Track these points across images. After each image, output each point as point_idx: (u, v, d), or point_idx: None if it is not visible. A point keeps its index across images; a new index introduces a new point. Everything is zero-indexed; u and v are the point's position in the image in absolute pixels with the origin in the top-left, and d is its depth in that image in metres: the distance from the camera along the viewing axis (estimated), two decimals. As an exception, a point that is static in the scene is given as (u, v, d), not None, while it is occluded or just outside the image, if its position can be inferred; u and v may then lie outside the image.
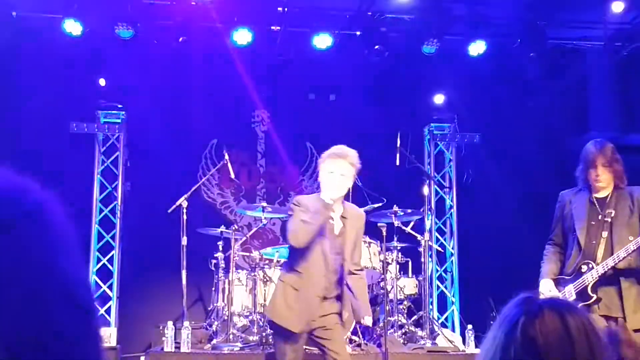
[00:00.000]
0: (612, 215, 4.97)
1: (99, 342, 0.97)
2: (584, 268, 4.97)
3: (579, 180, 5.20)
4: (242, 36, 8.53)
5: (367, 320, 5.34)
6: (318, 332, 5.07)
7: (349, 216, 5.24)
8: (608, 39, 9.42)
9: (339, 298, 5.13)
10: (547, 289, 5.06)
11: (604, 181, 5.03)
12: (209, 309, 7.71)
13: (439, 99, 9.52)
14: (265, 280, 6.98)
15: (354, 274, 5.24)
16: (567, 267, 5.10)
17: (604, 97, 9.83)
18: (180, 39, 8.51)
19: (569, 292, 4.96)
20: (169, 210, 7.19)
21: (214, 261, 7.48)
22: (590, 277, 4.91)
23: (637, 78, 9.39)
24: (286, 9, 8.44)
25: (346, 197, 7.84)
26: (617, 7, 8.32)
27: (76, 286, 0.94)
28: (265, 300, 6.87)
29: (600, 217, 5.01)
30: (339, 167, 5.06)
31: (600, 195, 5.07)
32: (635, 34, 9.08)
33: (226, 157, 7.67)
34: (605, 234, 4.97)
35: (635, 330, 4.79)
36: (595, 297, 4.91)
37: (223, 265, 7.40)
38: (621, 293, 4.88)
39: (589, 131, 9.64)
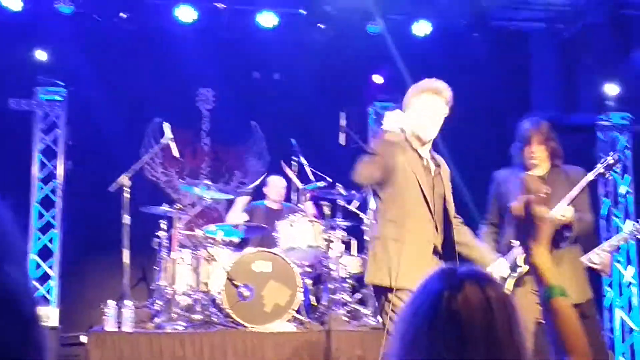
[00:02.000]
0: (549, 192, 4.97)
1: (41, 352, 0.94)
2: (516, 242, 5.02)
3: (515, 159, 5.25)
4: (186, 13, 8.44)
5: (492, 269, 4.63)
6: None
7: (441, 162, 4.63)
8: (550, 21, 9.55)
9: (451, 256, 4.39)
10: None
11: (538, 158, 5.07)
12: (152, 288, 7.65)
13: (381, 78, 9.54)
14: (208, 259, 6.95)
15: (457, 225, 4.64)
16: (503, 246, 5.14)
17: (547, 77, 9.97)
18: (122, 15, 8.38)
19: (502, 266, 4.94)
20: (111, 189, 7.10)
21: (157, 240, 7.41)
22: (521, 250, 4.95)
23: (579, 59, 9.54)
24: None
25: (289, 177, 7.87)
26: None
27: (18, 295, 0.92)
28: (208, 279, 6.85)
29: (536, 193, 5.02)
30: (440, 109, 4.50)
31: (536, 173, 5.11)
32: (576, 15, 9.21)
33: (170, 135, 7.58)
34: None
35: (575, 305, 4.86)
36: (527, 267, 4.96)
37: (166, 244, 7.34)
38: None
39: (532, 111, 9.78)
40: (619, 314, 9.80)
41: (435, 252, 4.35)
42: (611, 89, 9.55)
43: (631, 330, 9.74)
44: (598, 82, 9.51)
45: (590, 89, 9.50)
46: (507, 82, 9.59)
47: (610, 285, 9.82)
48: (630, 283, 9.84)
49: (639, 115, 9.87)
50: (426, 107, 4.45)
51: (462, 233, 4.56)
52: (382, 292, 4.24)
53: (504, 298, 1.67)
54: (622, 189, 10.01)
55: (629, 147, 10.05)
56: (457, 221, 4.58)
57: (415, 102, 4.50)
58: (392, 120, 4.32)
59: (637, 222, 5.25)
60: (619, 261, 9.77)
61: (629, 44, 9.06)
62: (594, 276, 6.35)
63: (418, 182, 4.32)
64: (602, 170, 5.16)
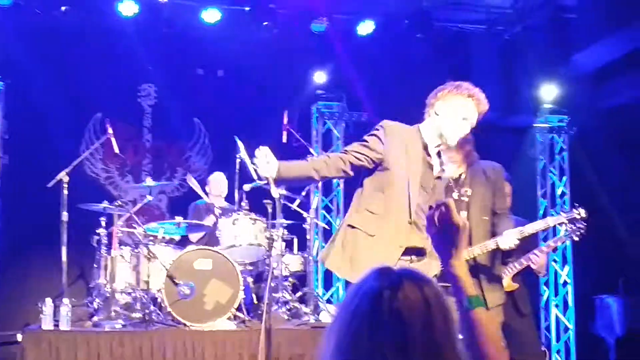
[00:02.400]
0: (469, 193, 4.92)
1: None
2: None
3: None
4: (128, 7, 8.34)
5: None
6: None
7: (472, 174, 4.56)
8: (491, 23, 9.69)
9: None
10: None
11: (456, 162, 5.00)
12: (91, 286, 7.54)
13: (324, 77, 9.56)
14: (149, 256, 6.88)
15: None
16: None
17: (487, 79, 10.10)
18: (63, 9, 8.24)
19: None
20: (49, 185, 6.97)
21: (96, 237, 7.30)
22: None
23: (518, 61, 9.70)
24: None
25: (231, 175, 7.83)
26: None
27: None
28: (148, 277, 6.78)
29: (457, 196, 4.90)
30: (473, 116, 4.23)
31: (455, 174, 5.06)
32: (516, 18, 9.37)
33: (110, 131, 7.49)
34: (464, 213, 4.87)
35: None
36: None
37: (105, 242, 7.24)
38: (479, 274, 4.81)
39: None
40: (554, 312, 10.00)
41: (410, 253, 4.11)
42: (548, 91, 9.74)
43: (566, 328, 9.96)
44: (536, 84, 9.69)
45: (529, 90, 9.67)
46: (446, 81, 9.68)
47: (546, 285, 10.02)
48: (565, 282, 10.05)
49: (575, 117, 10.09)
50: (465, 111, 4.18)
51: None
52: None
53: (441, 297, 1.69)
54: (559, 191, 10.22)
55: (565, 149, 10.26)
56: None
57: (457, 102, 4.19)
58: (264, 164, 4.01)
59: (562, 211, 5.27)
60: (555, 261, 9.98)
61: (567, 47, 9.25)
62: (531, 276, 6.49)
63: (408, 181, 4.09)
64: (565, 221, 5.12)
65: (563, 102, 9.91)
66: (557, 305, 10.03)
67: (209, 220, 7.89)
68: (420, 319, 1.62)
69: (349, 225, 4.17)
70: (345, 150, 4.18)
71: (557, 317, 10.00)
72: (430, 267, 4.07)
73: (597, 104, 9.64)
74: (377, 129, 4.14)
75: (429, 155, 4.20)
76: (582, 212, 4.98)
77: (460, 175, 5.01)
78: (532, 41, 9.25)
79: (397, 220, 4.07)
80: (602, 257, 9.51)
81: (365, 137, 4.17)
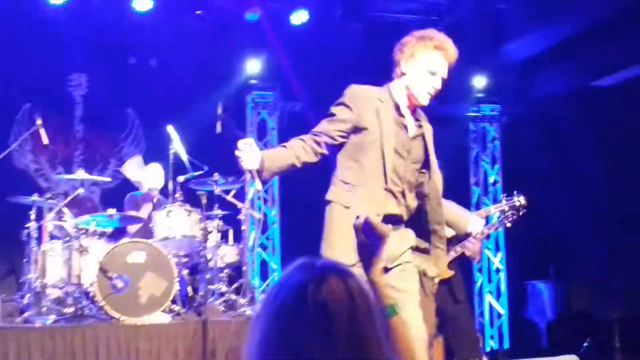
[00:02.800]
0: None
1: None
2: None
3: None
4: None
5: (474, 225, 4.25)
6: (390, 272, 3.75)
7: (423, 122, 3.99)
8: (425, 13, 9.76)
9: (426, 229, 3.88)
10: None
11: None
12: (21, 281, 7.37)
13: (258, 67, 9.51)
14: (81, 250, 6.74)
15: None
16: None
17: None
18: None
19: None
20: (-24, 178, 6.79)
21: (26, 231, 7.13)
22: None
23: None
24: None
25: (164, 166, 7.73)
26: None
27: None
28: (80, 271, 6.65)
29: None
30: (443, 68, 3.86)
31: None
32: (449, 9, 9.46)
33: (38, 122, 7.30)
34: None
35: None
36: None
37: (36, 236, 7.08)
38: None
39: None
40: (488, 299, 10.18)
41: (388, 221, 3.66)
42: (480, 81, 9.87)
43: (499, 314, 10.14)
44: (469, 74, 9.82)
45: (462, 80, 9.78)
46: (382, 71, 9.72)
47: (480, 271, 10.19)
48: (498, 269, 10.23)
49: (507, 107, 10.26)
50: (432, 65, 3.83)
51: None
52: None
53: (364, 289, 1.69)
54: (492, 179, 10.38)
55: (497, 138, 10.43)
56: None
57: (423, 57, 3.85)
58: (248, 156, 3.66)
59: (504, 199, 5.37)
60: (488, 248, 10.14)
61: (499, 37, 9.39)
62: (464, 263, 6.58)
63: (382, 146, 3.77)
64: (506, 208, 5.21)
65: (495, 91, 10.06)
66: (490, 292, 10.20)
67: (145, 210, 7.76)
68: (345, 312, 1.63)
69: (325, 201, 3.91)
70: (317, 132, 3.88)
71: (490, 304, 10.18)
72: (407, 235, 3.88)
73: (528, 94, 9.82)
74: (343, 95, 3.86)
75: (401, 115, 3.88)
76: (522, 200, 5.17)
77: None
78: (464, 31, 9.34)
79: (372, 188, 3.76)
80: (533, 244, 9.71)
81: (332, 109, 3.89)
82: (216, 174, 7.41)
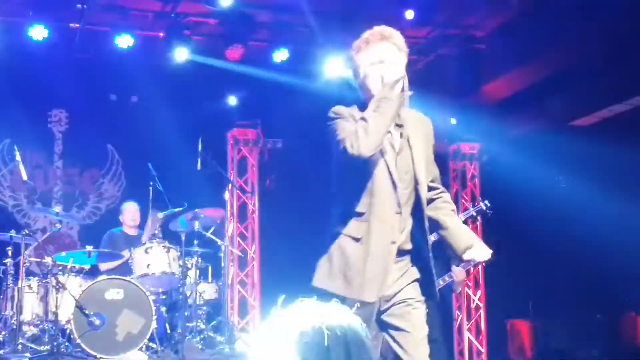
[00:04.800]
0: None
1: None
2: None
3: None
4: (38, 32, 8.16)
5: (471, 254, 3.62)
6: (391, 310, 3.38)
7: (408, 121, 3.49)
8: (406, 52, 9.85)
9: (421, 255, 3.47)
10: None
11: None
12: (-3, 318, 7.28)
13: (239, 104, 9.54)
14: (57, 287, 6.68)
15: (433, 199, 3.60)
16: None
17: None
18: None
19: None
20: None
21: (2, 267, 7.07)
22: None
23: (430, 90, 9.89)
24: (85, 6, 8.13)
25: (144, 202, 7.70)
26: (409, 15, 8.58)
27: None
28: (57, 309, 6.58)
29: None
30: (390, 54, 3.43)
31: None
32: (429, 48, 9.56)
33: (18, 157, 7.28)
34: None
35: None
36: None
37: (12, 272, 7.01)
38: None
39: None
40: (467, 336, 10.15)
41: (402, 252, 3.40)
42: (458, 120, 9.96)
43: (479, 352, 10.12)
44: (448, 113, 9.90)
45: (441, 119, 9.86)
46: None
47: (459, 309, 10.17)
48: (478, 306, 10.22)
49: (486, 145, 10.34)
50: (381, 57, 3.43)
51: (438, 209, 3.62)
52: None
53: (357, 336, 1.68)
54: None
55: (476, 176, 10.50)
56: (435, 194, 3.63)
57: (366, 58, 3.46)
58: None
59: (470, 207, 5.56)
60: (468, 285, 10.14)
61: (478, 76, 9.49)
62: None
63: (386, 163, 3.36)
64: (473, 214, 5.33)
65: (474, 130, 10.14)
66: (470, 330, 10.18)
67: (126, 252, 7.68)
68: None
69: (330, 234, 3.45)
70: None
71: (469, 341, 10.15)
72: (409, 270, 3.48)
73: (507, 132, 9.90)
74: (333, 118, 3.42)
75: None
76: (487, 203, 5.67)
77: None
78: (444, 70, 9.45)
79: (384, 215, 3.35)
80: (513, 281, 9.72)
81: (330, 124, 3.42)
82: (196, 210, 7.40)
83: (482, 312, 10.20)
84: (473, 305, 10.23)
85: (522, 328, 10.00)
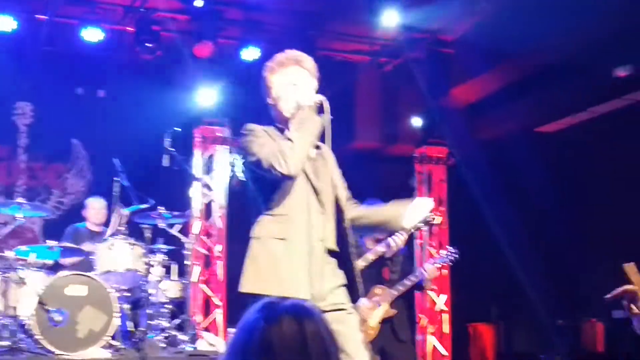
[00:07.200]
0: None
1: None
2: None
3: None
4: (6, 23, 8.04)
5: (411, 218, 3.65)
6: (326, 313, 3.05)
7: (320, 144, 3.62)
8: (374, 54, 9.89)
9: (345, 259, 3.51)
10: None
11: None
12: (-45, 313, 7.15)
13: (208, 100, 9.46)
14: (18, 282, 6.57)
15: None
16: None
17: (369, 109, 10.29)
18: None
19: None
20: None
21: (-38, 262, 6.93)
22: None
23: (399, 92, 9.94)
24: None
25: (109, 198, 7.62)
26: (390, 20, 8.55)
27: None
28: (17, 303, 6.47)
29: None
30: (302, 78, 3.61)
31: None
32: (398, 51, 9.60)
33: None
34: None
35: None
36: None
37: (-28, 266, 6.88)
38: None
39: (355, 141, 10.06)
40: (431, 340, 10.18)
41: (329, 251, 3.47)
42: (426, 123, 9.98)
43: (442, 356, 10.15)
44: (416, 116, 9.93)
45: (409, 122, 9.90)
46: (332, 111, 9.78)
47: (423, 312, 10.20)
48: (442, 310, 10.26)
49: (454, 149, 10.38)
50: (294, 80, 3.60)
51: (356, 208, 3.69)
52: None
53: (323, 333, 1.68)
54: (437, 220, 10.43)
55: (443, 180, 10.53)
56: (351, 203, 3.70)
57: (280, 79, 3.63)
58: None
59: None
60: (432, 289, 10.16)
61: (447, 79, 9.54)
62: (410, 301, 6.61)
63: (304, 171, 3.45)
64: (420, 225, 5.34)
65: (442, 133, 10.17)
66: (433, 334, 10.21)
67: (87, 246, 7.58)
68: (295, 354, 1.61)
69: (254, 238, 3.46)
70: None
71: (433, 345, 10.18)
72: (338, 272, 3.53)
73: (475, 136, 9.96)
74: (249, 134, 3.50)
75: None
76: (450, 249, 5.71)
77: None
78: (413, 74, 9.48)
79: (308, 216, 3.41)
80: (478, 286, 9.77)
81: (246, 140, 3.50)
82: (161, 207, 7.33)
83: (447, 315, 10.22)
84: (437, 309, 10.25)
85: (484, 332, 10.07)
